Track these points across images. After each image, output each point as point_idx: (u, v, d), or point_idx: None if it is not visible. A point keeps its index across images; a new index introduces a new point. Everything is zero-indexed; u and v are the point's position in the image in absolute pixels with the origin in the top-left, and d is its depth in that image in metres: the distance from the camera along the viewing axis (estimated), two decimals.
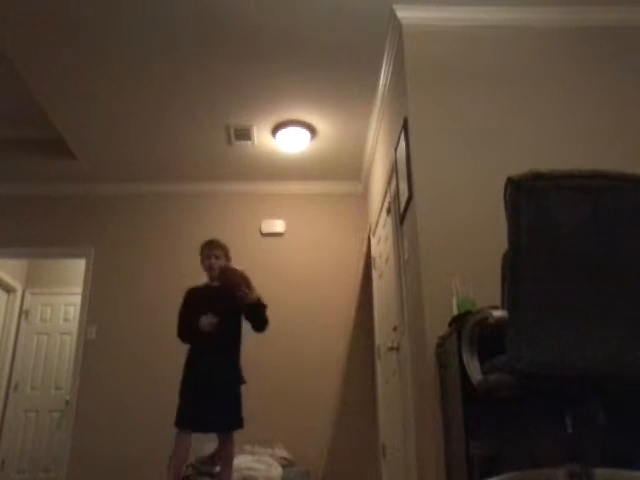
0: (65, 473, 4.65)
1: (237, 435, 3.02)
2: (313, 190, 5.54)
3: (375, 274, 4.67)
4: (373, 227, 4.80)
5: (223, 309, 2.99)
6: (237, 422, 2.93)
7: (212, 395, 2.90)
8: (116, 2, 3.27)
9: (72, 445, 4.71)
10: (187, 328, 3.03)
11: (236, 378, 3.00)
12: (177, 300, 3.17)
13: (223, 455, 2.97)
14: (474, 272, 2.76)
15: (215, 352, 2.96)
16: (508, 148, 3.12)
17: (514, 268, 1.43)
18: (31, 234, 5.29)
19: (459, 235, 2.93)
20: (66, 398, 5.35)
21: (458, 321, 2.41)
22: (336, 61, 3.81)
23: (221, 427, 2.92)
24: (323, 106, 4.32)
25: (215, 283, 3.11)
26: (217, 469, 3.46)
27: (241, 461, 3.62)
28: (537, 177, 1.42)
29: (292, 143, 4.75)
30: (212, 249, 3.15)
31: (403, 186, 3.33)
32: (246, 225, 5.41)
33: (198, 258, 5.18)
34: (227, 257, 3.18)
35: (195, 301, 3.11)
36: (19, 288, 6.26)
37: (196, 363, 2.98)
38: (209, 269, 3.13)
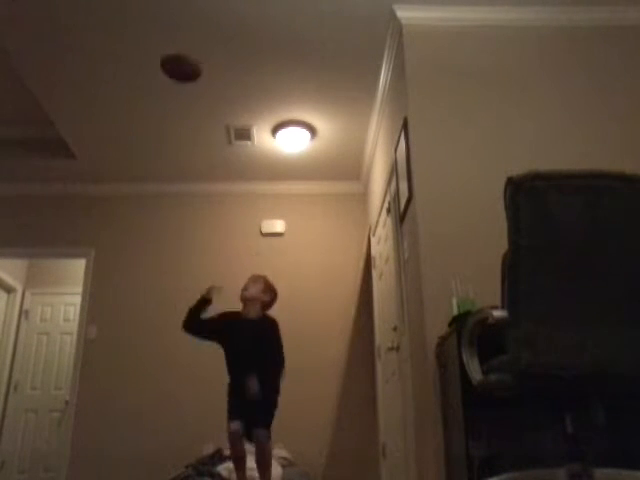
0: (65, 473, 4.65)
1: None
2: (313, 190, 5.54)
3: (375, 274, 4.67)
4: (373, 227, 4.80)
5: (252, 340, 3.10)
6: (262, 420, 3.05)
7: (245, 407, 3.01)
8: (117, 3, 3.27)
9: (72, 445, 4.71)
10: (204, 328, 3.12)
11: (265, 395, 3.09)
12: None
13: (258, 458, 3.01)
14: (474, 272, 2.77)
15: (248, 370, 3.04)
16: (508, 148, 3.12)
17: (514, 268, 1.43)
18: (31, 234, 5.29)
19: (459, 235, 2.93)
20: (66, 398, 5.36)
21: (458, 321, 2.41)
22: (336, 61, 3.81)
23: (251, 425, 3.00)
24: (323, 106, 4.32)
25: (249, 316, 3.20)
26: (217, 469, 3.48)
27: None
28: (537, 177, 1.42)
29: (292, 143, 4.75)
30: (247, 282, 3.26)
31: (403, 186, 3.33)
32: (246, 225, 5.42)
33: (197, 257, 5.26)
34: (264, 287, 3.27)
35: (230, 326, 3.16)
36: (19, 288, 6.26)
37: (233, 377, 3.10)
38: (241, 299, 3.22)
